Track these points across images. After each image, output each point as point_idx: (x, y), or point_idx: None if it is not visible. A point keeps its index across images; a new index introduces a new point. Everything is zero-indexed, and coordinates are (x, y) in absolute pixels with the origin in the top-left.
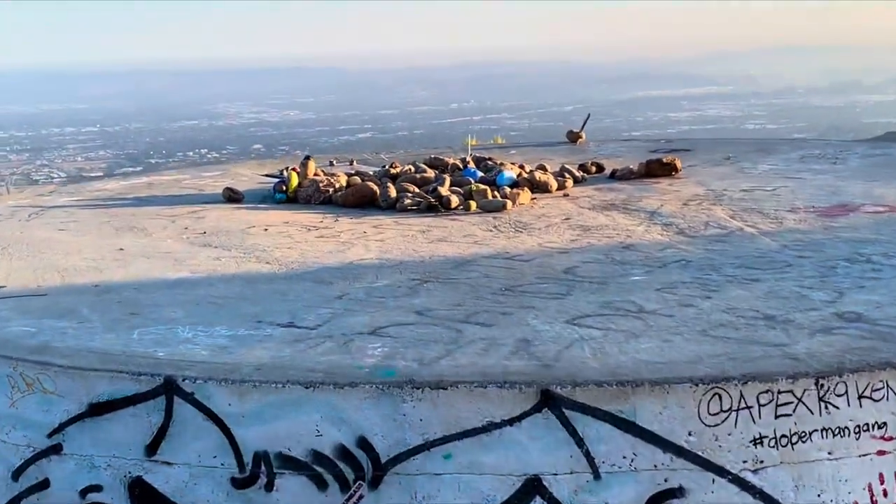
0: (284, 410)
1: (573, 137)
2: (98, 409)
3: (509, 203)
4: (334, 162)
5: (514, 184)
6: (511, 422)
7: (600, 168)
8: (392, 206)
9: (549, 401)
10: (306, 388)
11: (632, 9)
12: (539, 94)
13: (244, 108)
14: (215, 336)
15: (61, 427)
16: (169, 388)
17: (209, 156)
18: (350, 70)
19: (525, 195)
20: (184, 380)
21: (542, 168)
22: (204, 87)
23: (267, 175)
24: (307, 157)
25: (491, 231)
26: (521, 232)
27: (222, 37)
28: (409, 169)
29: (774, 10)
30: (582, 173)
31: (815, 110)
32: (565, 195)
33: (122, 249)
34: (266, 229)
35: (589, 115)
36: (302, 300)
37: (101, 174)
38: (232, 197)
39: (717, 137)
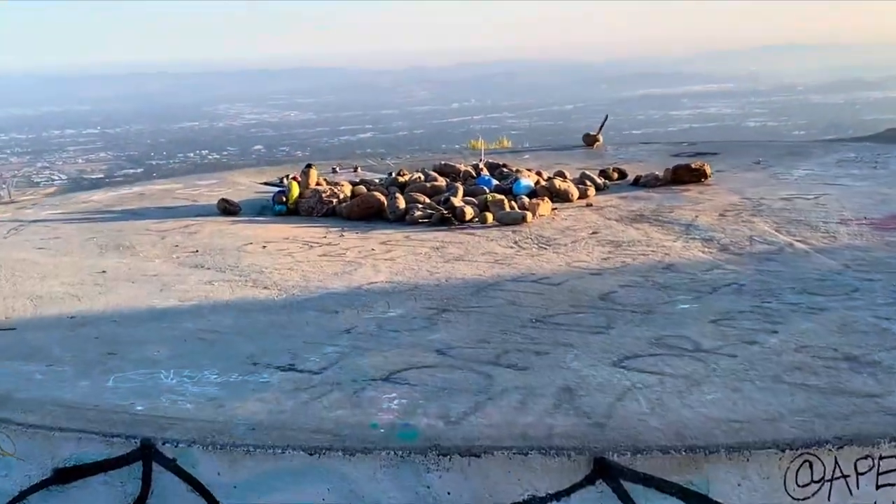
0: (284, 481)
1: (590, 141)
2: (65, 476)
3: (529, 215)
4: (337, 169)
5: (532, 192)
6: (558, 496)
7: (622, 174)
8: (401, 219)
9: (604, 471)
10: (310, 454)
11: (632, 7)
12: (539, 94)
13: (244, 109)
14: (203, 383)
15: (23, 495)
16: (147, 453)
17: (210, 157)
18: (350, 70)
19: (545, 205)
20: (164, 443)
21: (561, 175)
22: (204, 88)
23: (266, 183)
24: (308, 166)
25: (512, 247)
26: (546, 248)
27: (222, 38)
28: (419, 177)
29: (775, 8)
30: (603, 180)
31: (816, 107)
32: (588, 205)
33: (104, 272)
34: (264, 246)
35: (607, 117)
36: (304, 335)
37: (101, 175)
38: (227, 209)
39: (742, 140)
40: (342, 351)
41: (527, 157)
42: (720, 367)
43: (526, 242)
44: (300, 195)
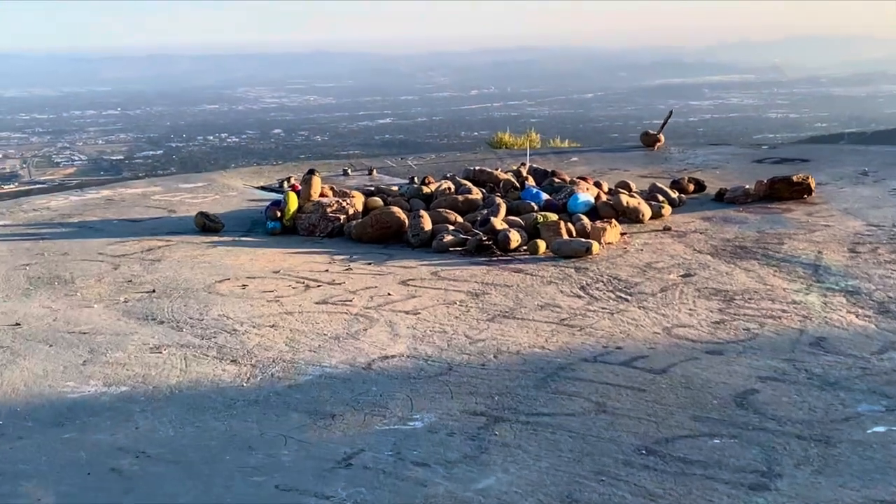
0: None
1: (650, 141)
2: None
3: (595, 245)
4: (349, 171)
5: (592, 210)
6: None
7: (700, 186)
8: (426, 244)
9: None
10: None
11: None
12: (560, 81)
13: (265, 93)
14: None
15: None
16: None
17: (229, 140)
18: (371, 56)
19: (613, 231)
20: None
21: (626, 187)
22: (225, 71)
23: (262, 188)
24: (311, 172)
25: (580, 297)
26: (627, 299)
27: (244, 22)
28: (448, 187)
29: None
30: (678, 194)
31: (838, 100)
32: (665, 228)
33: (17, 325)
34: (244, 286)
35: (671, 113)
36: (278, 469)
37: (121, 157)
38: (207, 226)
39: (829, 138)
40: None
41: (574, 159)
42: None
43: (597, 288)
44: (299, 209)
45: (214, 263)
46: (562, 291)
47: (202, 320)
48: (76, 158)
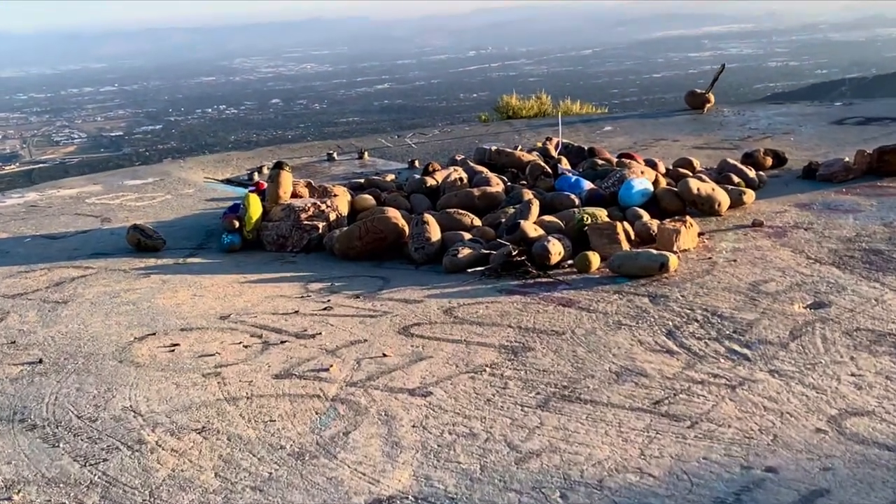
0: None
1: (697, 102)
2: None
3: (672, 259)
4: (335, 154)
5: (651, 200)
6: None
7: (779, 159)
8: (434, 259)
9: None
10: None
11: None
12: (557, 39)
13: (261, 63)
14: None
15: None
16: None
17: (227, 112)
18: (366, 21)
19: (690, 232)
20: None
21: (688, 165)
22: (220, 42)
23: (227, 181)
24: (279, 165)
25: (671, 352)
26: (746, 356)
27: None
28: (459, 178)
29: None
30: (754, 171)
31: (837, 46)
32: (755, 223)
33: None
34: (173, 347)
35: (723, 67)
36: None
37: (121, 133)
38: (143, 244)
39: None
40: None
41: (608, 128)
42: None
43: (693, 334)
44: (265, 215)
45: (140, 306)
46: (640, 341)
47: (95, 421)
48: (76, 136)
